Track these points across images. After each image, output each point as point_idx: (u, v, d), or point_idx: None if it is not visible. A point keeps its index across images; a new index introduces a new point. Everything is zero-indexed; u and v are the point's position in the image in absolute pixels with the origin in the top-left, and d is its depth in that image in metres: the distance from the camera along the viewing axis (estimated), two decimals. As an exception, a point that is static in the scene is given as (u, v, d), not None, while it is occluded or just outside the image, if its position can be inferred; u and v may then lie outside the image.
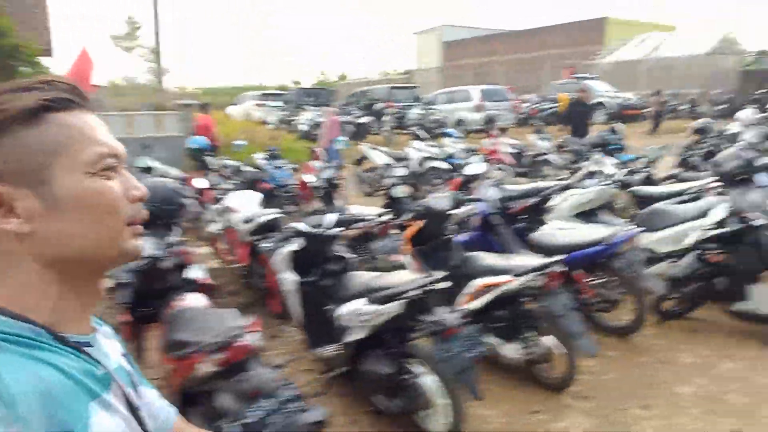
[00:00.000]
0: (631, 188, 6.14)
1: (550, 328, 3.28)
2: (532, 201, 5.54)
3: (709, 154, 7.99)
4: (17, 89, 0.67)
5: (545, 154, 9.95)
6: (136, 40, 13.24)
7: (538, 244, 4.25)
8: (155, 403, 0.87)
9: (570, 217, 5.03)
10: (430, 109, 17.76)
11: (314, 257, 3.51)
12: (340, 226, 3.57)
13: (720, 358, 3.88)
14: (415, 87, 22.52)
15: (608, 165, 5.67)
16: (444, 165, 8.94)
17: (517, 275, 3.27)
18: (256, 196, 5.04)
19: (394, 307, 2.73)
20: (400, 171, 5.58)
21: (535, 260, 3.37)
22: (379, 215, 4.74)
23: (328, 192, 5.57)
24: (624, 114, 20.81)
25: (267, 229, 4.38)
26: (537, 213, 5.50)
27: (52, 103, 0.67)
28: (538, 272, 3.22)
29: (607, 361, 3.83)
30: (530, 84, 30.33)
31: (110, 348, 0.76)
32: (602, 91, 21.82)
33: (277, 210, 4.60)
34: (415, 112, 17.07)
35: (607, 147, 6.75)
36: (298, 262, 3.55)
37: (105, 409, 0.65)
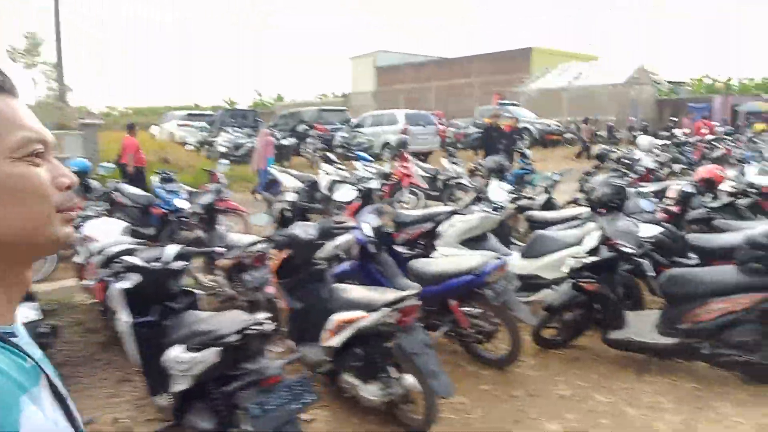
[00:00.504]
0: (526, 213, 6.12)
1: (407, 366, 3.05)
2: (426, 227, 5.39)
3: (609, 179, 8.19)
4: None
5: (457, 178, 9.95)
6: (38, 56, 12.43)
7: (415, 274, 4.05)
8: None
9: (456, 244, 4.88)
10: (355, 131, 17.64)
11: (153, 294, 3.15)
12: (183, 259, 3.22)
13: (594, 390, 3.76)
14: (344, 110, 22.44)
15: (499, 190, 5.60)
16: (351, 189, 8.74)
17: (371, 310, 3.03)
18: (119, 224, 4.61)
19: (209, 355, 2.41)
20: (290, 196, 5.29)
21: (391, 294, 3.14)
22: (252, 244, 4.41)
23: (208, 218, 5.20)
24: (546, 139, 21.53)
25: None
26: (431, 239, 5.36)
27: None
28: (392, 307, 2.99)
29: (478, 395, 3.63)
30: (460, 109, 31.01)
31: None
32: (524, 117, 22.47)
33: (134, 240, 4.19)
34: (340, 135, 16.90)
35: (503, 172, 6.74)
36: (136, 299, 3.17)
37: (35, 402, 0.62)
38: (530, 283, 4.63)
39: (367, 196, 6.75)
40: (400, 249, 4.90)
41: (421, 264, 4.14)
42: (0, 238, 0.64)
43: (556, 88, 27.79)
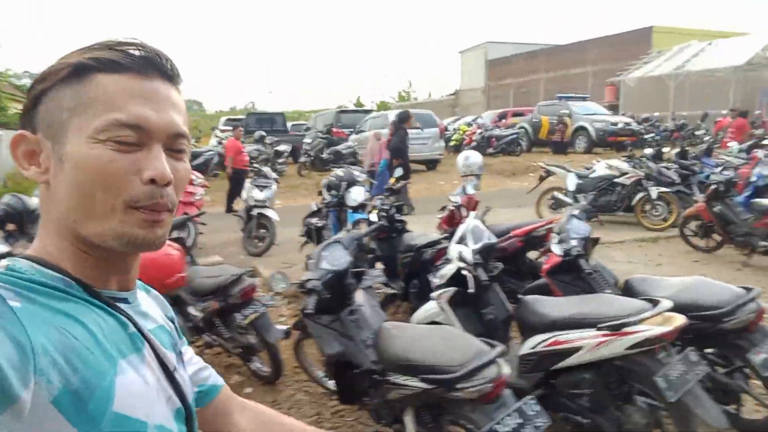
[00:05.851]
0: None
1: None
2: None
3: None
4: (102, 47, 0.64)
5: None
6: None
7: None
8: (201, 370, 0.84)
9: None
10: (324, 138, 15.24)
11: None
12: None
13: None
14: (369, 111, 20.16)
15: None
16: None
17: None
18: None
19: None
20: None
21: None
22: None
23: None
24: (608, 140, 16.89)
25: None
26: None
27: (94, 62, 0.63)
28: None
29: None
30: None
31: (152, 309, 0.73)
32: (586, 112, 18.02)
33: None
34: (306, 142, 14.79)
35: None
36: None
37: (134, 369, 0.62)
38: None
39: None
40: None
41: None
42: (66, 221, 0.62)
43: (660, 75, 22.17)
